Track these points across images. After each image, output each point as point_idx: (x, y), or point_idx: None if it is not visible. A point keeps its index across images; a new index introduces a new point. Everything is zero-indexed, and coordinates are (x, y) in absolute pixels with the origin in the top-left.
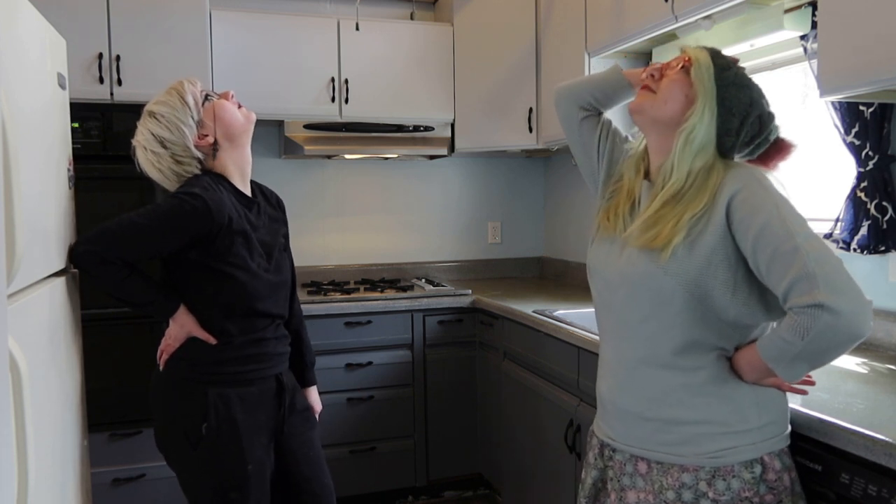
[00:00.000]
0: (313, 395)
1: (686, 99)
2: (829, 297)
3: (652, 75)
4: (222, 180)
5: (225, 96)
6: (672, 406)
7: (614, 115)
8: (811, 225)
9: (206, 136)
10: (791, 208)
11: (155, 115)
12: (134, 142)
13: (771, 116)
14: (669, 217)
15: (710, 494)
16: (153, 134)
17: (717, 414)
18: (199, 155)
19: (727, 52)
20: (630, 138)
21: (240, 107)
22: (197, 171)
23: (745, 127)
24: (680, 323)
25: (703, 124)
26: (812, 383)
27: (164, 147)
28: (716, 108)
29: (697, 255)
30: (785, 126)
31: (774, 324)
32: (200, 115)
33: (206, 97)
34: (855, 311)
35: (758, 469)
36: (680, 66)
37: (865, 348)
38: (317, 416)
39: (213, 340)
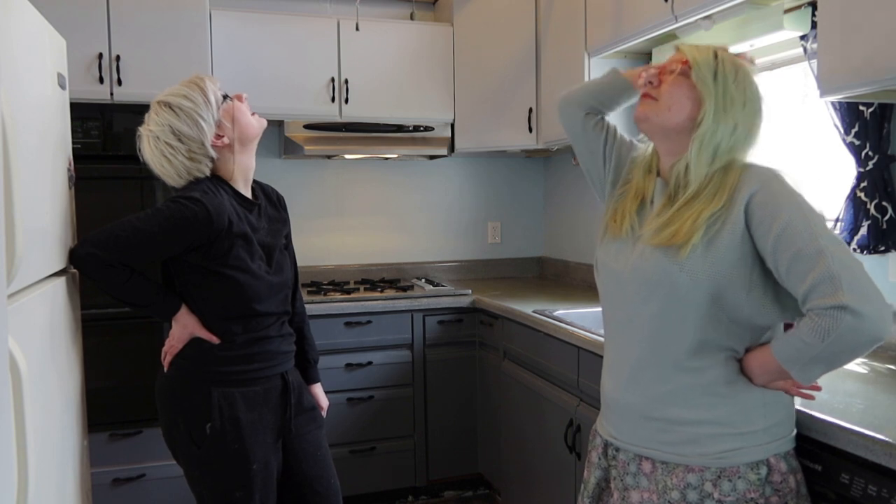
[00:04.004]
0: (318, 393)
1: (691, 103)
2: (853, 299)
3: (650, 82)
4: (223, 183)
5: (239, 99)
6: (678, 406)
7: (618, 121)
8: None
9: (222, 136)
10: (812, 209)
11: (173, 106)
12: (143, 131)
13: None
14: (687, 215)
15: (716, 495)
16: (171, 126)
17: (723, 415)
18: (214, 154)
19: None
20: (636, 143)
21: (253, 113)
22: (207, 172)
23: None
24: (691, 321)
25: (717, 127)
26: (818, 388)
27: (181, 141)
28: (725, 107)
29: (714, 253)
30: (785, 126)
31: (783, 326)
32: (220, 115)
33: (225, 97)
34: (877, 314)
35: (763, 470)
36: (679, 70)
37: None
38: (324, 413)
39: (216, 340)
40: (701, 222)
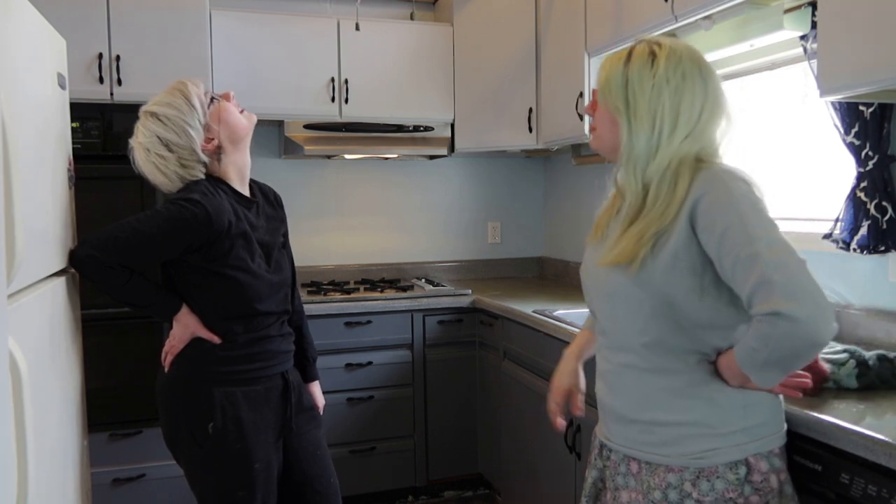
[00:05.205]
0: (316, 391)
1: (612, 122)
2: (785, 304)
3: (589, 114)
4: (221, 184)
5: (226, 97)
6: (656, 408)
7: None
8: (807, 225)
9: (213, 139)
10: (756, 211)
11: (159, 116)
12: (133, 143)
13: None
14: (633, 233)
15: (695, 495)
16: (158, 137)
17: (700, 416)
18: (205, 159)
19: (727, 52)
20: None
21: (241, 110)
22: (201, 175)
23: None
24: (652, 328)
25: (632, 138)
26: (807, 385)
27: (171, 151)
28: (636, 112)
29: (661, 262)
30: (785, 126)
31: None
32: (207, 118)
33: (211, 99)
34: (812, 317)
35: (742, 470)
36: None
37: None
38: (320, 412)
39: (217, 340)
40: (646, 240)
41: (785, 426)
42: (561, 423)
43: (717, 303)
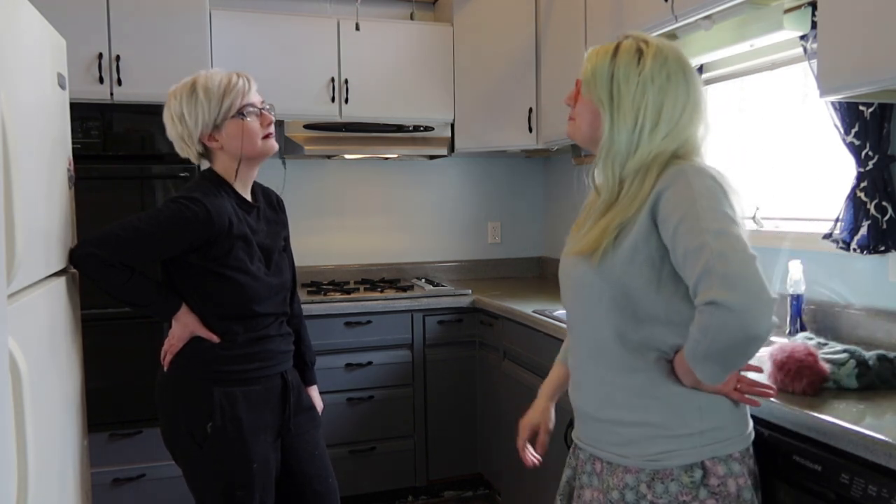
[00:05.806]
0: (315, 395)
1: (593, 115)
2: (722, 293)
3: (570, 104)
4: (224, 185)
5: (263, 121)
6: (616, 407)
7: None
8: (807, 225)
9: (216, 141)
10: (713, 205)
11: (196, 93)
12: (172, 90)
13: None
14: (601, 225)
15: (650, 497)
16: (182, 106)
17: (657, 417)
18: (199, 148)
19: (727, 52)
20: None
21: (267, 136)
22: (193, 160)
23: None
24: (613, 320)
25: (613, 133)
26: (768, 395)
27: (181, 123)
28: (620, 107)
29: (621, 253)
30: (785, 126)
31: None
32: (224, 122)
33: (241, 113)
34: (747, 308)
35: (698, 474)
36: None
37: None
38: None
39: (216, 339)
40: (610, 230)
41: (749, 429)
42: (530, 459)
43: (673, 297)
